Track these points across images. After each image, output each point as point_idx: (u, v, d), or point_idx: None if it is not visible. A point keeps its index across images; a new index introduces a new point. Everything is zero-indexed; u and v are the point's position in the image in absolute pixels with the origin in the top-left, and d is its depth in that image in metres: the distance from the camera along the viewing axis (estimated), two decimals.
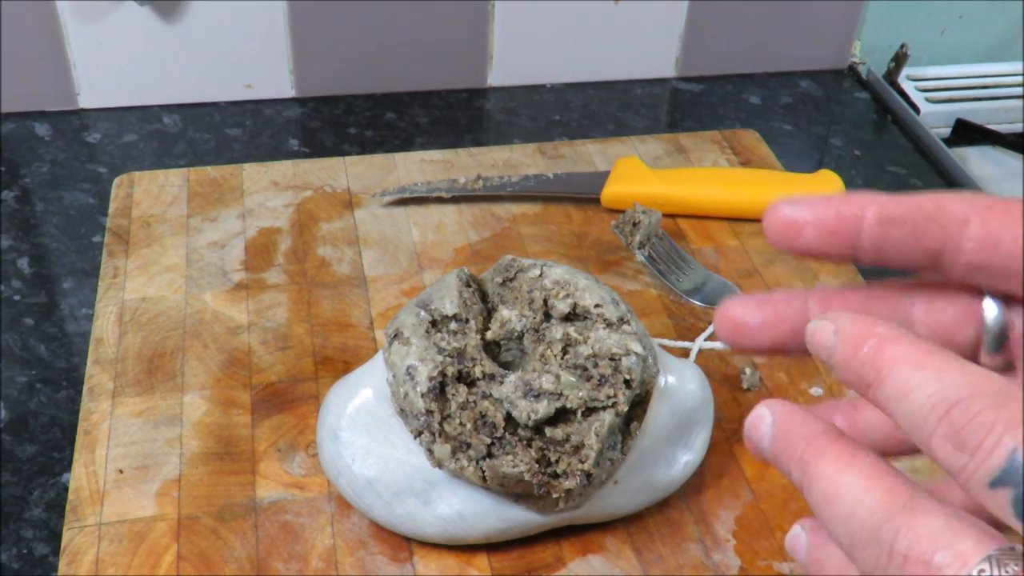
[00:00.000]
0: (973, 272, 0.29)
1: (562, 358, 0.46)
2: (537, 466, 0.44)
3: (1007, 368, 0.30)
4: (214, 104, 0.82)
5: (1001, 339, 0.30)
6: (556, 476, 0.44)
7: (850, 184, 0.77)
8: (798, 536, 0.29)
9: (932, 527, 0.24)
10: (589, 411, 0.44)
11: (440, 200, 0.69)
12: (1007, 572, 0.22)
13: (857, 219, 0.29)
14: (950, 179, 0.79)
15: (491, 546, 0.48)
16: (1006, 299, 0.30)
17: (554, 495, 0.44)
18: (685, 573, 0.47)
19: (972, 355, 0.30)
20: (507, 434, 0.44)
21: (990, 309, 0.30)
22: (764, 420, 0.29)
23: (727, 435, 0.54)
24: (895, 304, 0.31)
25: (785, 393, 0.56)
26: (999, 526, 0.24)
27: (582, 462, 0.44)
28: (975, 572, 0.23)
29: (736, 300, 0.31)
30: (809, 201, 0.29)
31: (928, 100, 0.88)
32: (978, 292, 0.30)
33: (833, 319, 0.27)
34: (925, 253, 0.28)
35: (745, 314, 0.31)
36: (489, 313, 0.49)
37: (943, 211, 0.28)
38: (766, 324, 0.31)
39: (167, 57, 0.79)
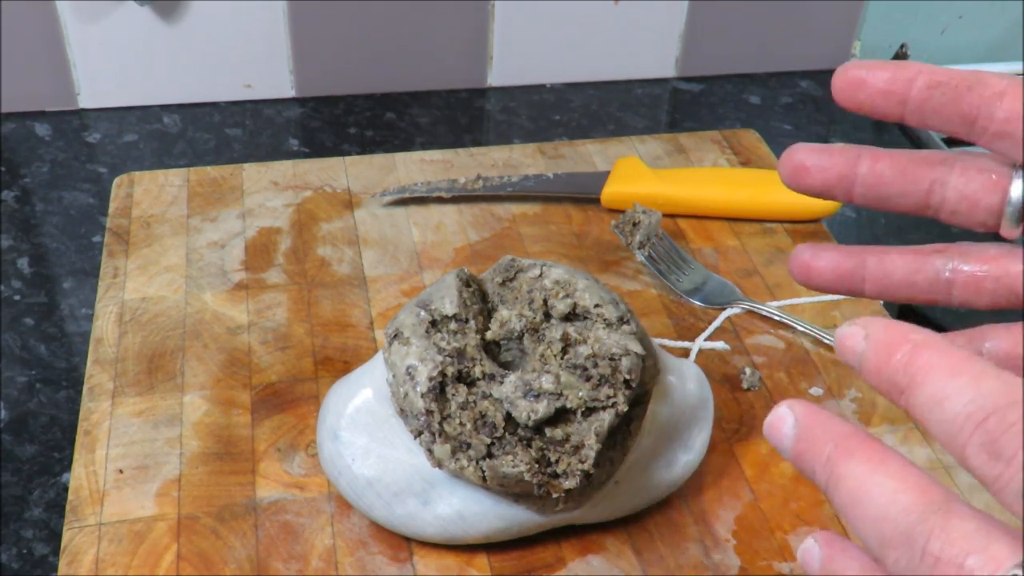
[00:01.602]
0: (999, 140, 0.31)
1: (562, 358, 0.46)
2: (537, 466, 0.44)
3: None
4: (214, 104, 0.82)
5: (1021, 212, 0.33)
6: (556, 476, 0.44)
7: None
8: (811, 549, 0.29)
9: (966, 530, 0.23)
10: (589, 411, 0.44)
11: (440, 200, 0.69)
12: None
13: (909, 82, 0.32)
14: None
15: (491, 546, 0.48)
16: None
17: (554, 495, 0.44)
18: (685, 573, 0.47)
19: (994, 223, 0.33)
20: (507, 434, 0.44)
21: (1017, 183, 0.33)
22: (786, 420, 0.28)
23: (727, 435, 0.54)
24: (933, 167, 0.34)
25: (785, 393, 0.56)
26: None
27: (582, 462, 0.44)
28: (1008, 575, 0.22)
29: (799, 145, 0.35)
30: (872, 64, 0.33)
31: None
32: (1012, 168, 0.33)
33: (863, 325, 0.27)
34: (962, 119, 0.32)
35: (805, 157, 0.35)
36: (489, 313, 0.49)
37: (983, 83, 0.32)
38: (819, 167, 0.35)
39: (167, 57, 0.80)
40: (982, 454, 0.24)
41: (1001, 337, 0.33)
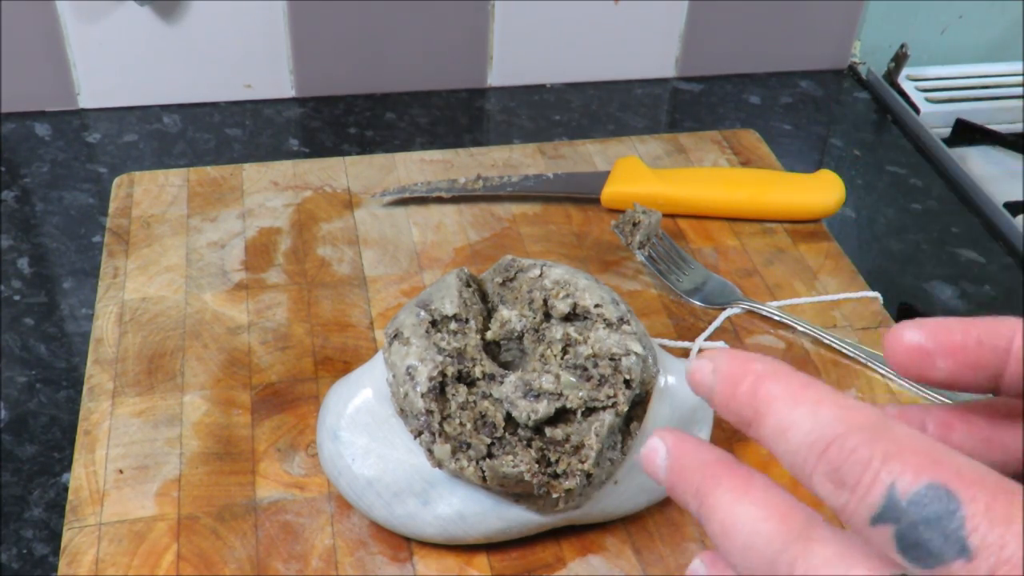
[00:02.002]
0: None
1: (562, 358, 0.46)
2: (537, 466, 0.44)
3: None
4: (214, 104, 0.82)
5: None
6: (556, 476, 0.44)
7: (850, 184, 0.77)
8: (697, 570, 0.28)
9: (826, 555, 0.24)
10: (589, 411, 0.44)
11: (440, 200, 0.69)
12: None
13: (1003, 350, 0.27)
14: (950, 179, 0.79)
15: (491, 546, 0.48)
16: None
17: (554, 495, 0.44)
18: (685, 573, 0.47)
19: None
20: (507, 434, 0.44)
21: None
22: (658, 452, 0.28)
23: (727, 435, 0.54)
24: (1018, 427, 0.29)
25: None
26: None
27: (582, 462, 0.44)
28: None
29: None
30: (941, 325, 0.27)
31: (928, 100, 0.88)
32: None
33: (711, 358, 0.27)
34: None
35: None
36: (489, 313, 0.49)
37: None
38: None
39: (167, 57, 0.80)
40: (827, 483, 0.23)
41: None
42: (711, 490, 0.26)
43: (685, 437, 0.28)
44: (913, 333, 0.27)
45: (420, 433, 0.44)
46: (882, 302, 0.63)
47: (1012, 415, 0.29)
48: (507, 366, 0.48)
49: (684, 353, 0.58)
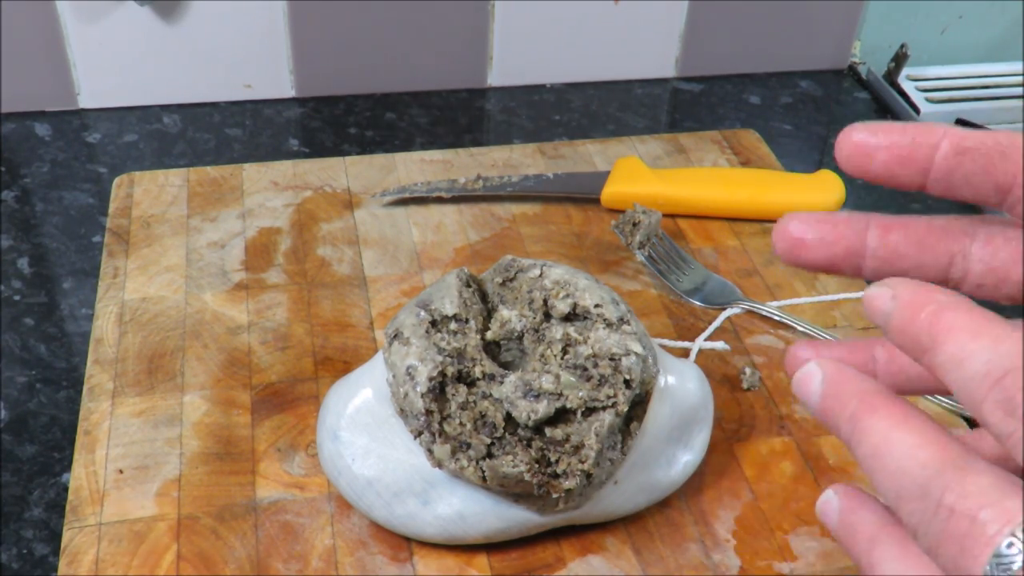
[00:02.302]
0: None
1: (562, 358, 0.46)
2: (537, 466, 0.44)
3: None
4: (214, 104, 0.82)
5: None
6: (556, 476, 0.44)
7: (850, 184, 0.77)
8: (830, 500, 0.29)
9: (981, 484, 0.24)
10: (589, 411, 0.44)
11: (440, 200, 0.69)
12: None
13: (931, 148, 0.29)
14: None
15: (491, 546, 0.48)
16: None
17: (554, 495, 0.44)
18: (685, 573, 0.47)
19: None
20: (507, 434, 0.44)
21: None
22: (814, 377, 0.29)
23: (727, 435, 0.54)
24: (954, 237, 0.31)
25: (785, 393, 0.56)
26: None
27: (582, 462, 0.44)
28: (1018, 530, 0.23)
29: (796, 216, 0.32)
30: (885, 127, 0.30)
31: (928, 100, 0.88)
32: None
33: (891, 285, 0.28)
34: (994, 188, 0.29)
35: (804, 230, 0.31)
36: (489, 313, 0.49)
37: (1017, 147, 0.29)
38: (824, 241, 0.31)
39: (167, 57, 0.80)
40: (998, 411, 0.24)
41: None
42: (867, 415, 0.27)
43: (842, 366, 0.29)
44: (860, 130, 0.30)
45: (420, 433, 0.44)
46: None
47: (945, 231, 0.31)
48: (507, 366, 0.48)
49: (684, 353, 0.58)
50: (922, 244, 0.31)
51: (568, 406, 0.44)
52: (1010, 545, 0.23)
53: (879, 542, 0.28)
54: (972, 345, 0.25)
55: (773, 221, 0.68)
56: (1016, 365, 0.24)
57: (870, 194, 0.77)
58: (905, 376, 0.33)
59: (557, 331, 0.46)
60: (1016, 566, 0.23)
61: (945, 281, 0.31)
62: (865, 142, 0.30)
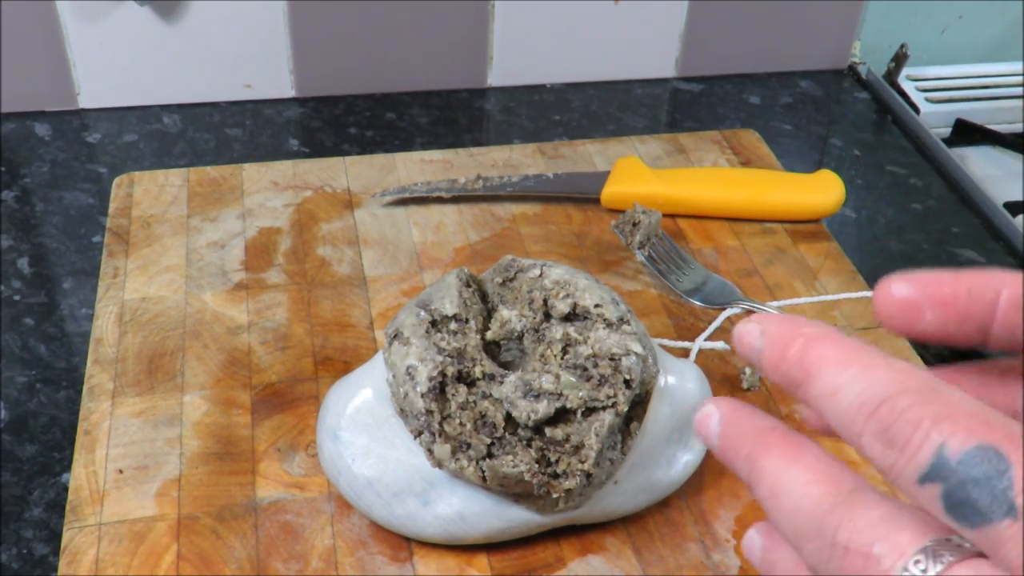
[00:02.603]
0: None
1: (562, 358, 0.46)
2: (537, 466, 0.44)
3: None
4: (214, 104, 0.82)
5: None
6: (556, 476, 0.44)
7: (850, 184, 0.77)
8: (752, 539, 0.29)
9: (871, 518, 0.24)
10: (589, 411, 0.44)
11: (440, 200, 0.69)
12: (943, 563, 0.22)
13: (991, 302, 0.27)
14: (950, 179, 0.79)
15: (491, 546, 0.48)
16: None
17: (554, 495, 0.44)
18: (685, 573, 0.47)
19: None
20: (507, 434, 0.44)
21: None
22: (711, 418, 0.29)
23: None
24: None
25: (784, 393, 0.56)
26: None
27: (582, 462, 0.44)
28: (911, 563, 0.23)
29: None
30: (931, 279, 0.27)
31: (928, 100, 0.88)
32: None
33: (759, 321, 0.27)
34: None
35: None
36: (489, 313, 0.49)
37: None
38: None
39: (167, 57, 0.79)
40: (877, 443, 0.24)
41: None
42: (762, 455, 0.27)
43: (739, 404, 0.28)
44: (902, 286, 0.27)
45: (420, 433, 0.44)
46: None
47: (1003, 375, 0.29)
48: (507, 366, 0.48)
49: (684, 353, 0.58)
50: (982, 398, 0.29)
51: (568, 406, 0.44)
52: None
53: None
54: (843, 376, 0.25)
55: (773, 221, 0.68)
56: (889, 394, 0.24)
57: (870, 194, 0.77)
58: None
59: (557, 331, 0.46)
60: None
61: None
62: (909, 299, 0.27)
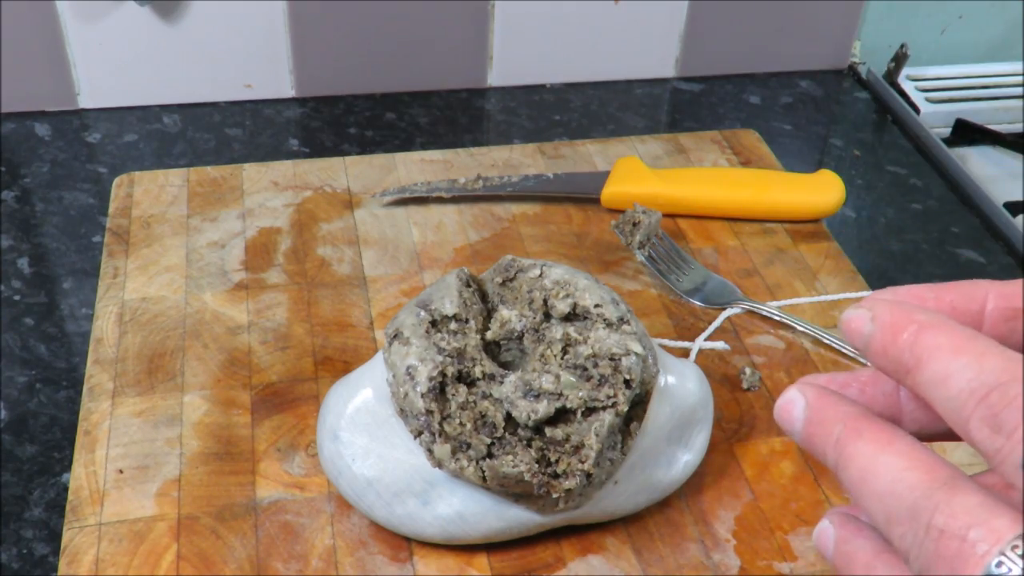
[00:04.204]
0: None
1: (562, 358, 0.46)
2: (537, 466, 0.44)
3: None
4: (214, 104, 0.82)
5: None
6: (556, 476, 0.44)
7: (850, 184, 0.77)
8: (826, 530, 0.29)
9: (969, 504, 0.24)
10: (589, 411, 0.44)
11: (440, 200, 0.69)
12: None
13: (976, 314, 0.28)
14: (950, 179, 0.79)
15: (491, 546, 0.48)
16: None
17: (554, 495, 0.44)
18: (685, 573, 0.47)
19: None
20: (507, 434, 0.44)
21: None
22: (796, 404, 0.29)
23: (727, 435, 0.54)
24: None
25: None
26: None
27: (582, 462, 0.44)
28: (1008, 548, 0.23)
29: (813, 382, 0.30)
30: (914, 292, 0.28)
31: (928, 100, 0.88)
32: None
33: (869, 307, 0.27)
34: None
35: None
36: (489, 313, 0.49)
37: None
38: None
39: (167, 57, 0.79)
40: (984, 428, 0.24)
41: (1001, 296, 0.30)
42: (852, 440, 0.27)
43: (825, 391, 0.28)
44: (883, 299, 0.28)
45: (420, 433, 0.44)
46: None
47: None
48: (507, 366, 0.48)
49: (684, 353, 0.58)
50: None
51: (568, 406, 0.44)
52: (999, 564, 0.23)
53: (874, 569, 0.27)
54: (955, 363, 0.25)
55: (773, 221, 0.68)
56: (1001, 381, 0.24)
57: (870, 194, 0.77)
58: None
59: (557, 331, 0.46)
60: None
61: None
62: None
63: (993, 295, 0.28)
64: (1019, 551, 0.23)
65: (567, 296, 0.47)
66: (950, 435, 0.29)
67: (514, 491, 0.45)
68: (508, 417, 0.44)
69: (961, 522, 0.24)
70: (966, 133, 0.85)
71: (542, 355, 0.46)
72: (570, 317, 0.47)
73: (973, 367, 0.25)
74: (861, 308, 0.28)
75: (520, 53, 0.85)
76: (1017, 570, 0.23)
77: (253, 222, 0.66)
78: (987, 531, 0.23)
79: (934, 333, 0.26)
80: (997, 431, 0.24)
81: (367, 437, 0.46)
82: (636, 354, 0.45)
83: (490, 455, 0.44)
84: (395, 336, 0.46)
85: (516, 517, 0.46)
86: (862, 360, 0.58)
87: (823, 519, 0.29)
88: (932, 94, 0.89)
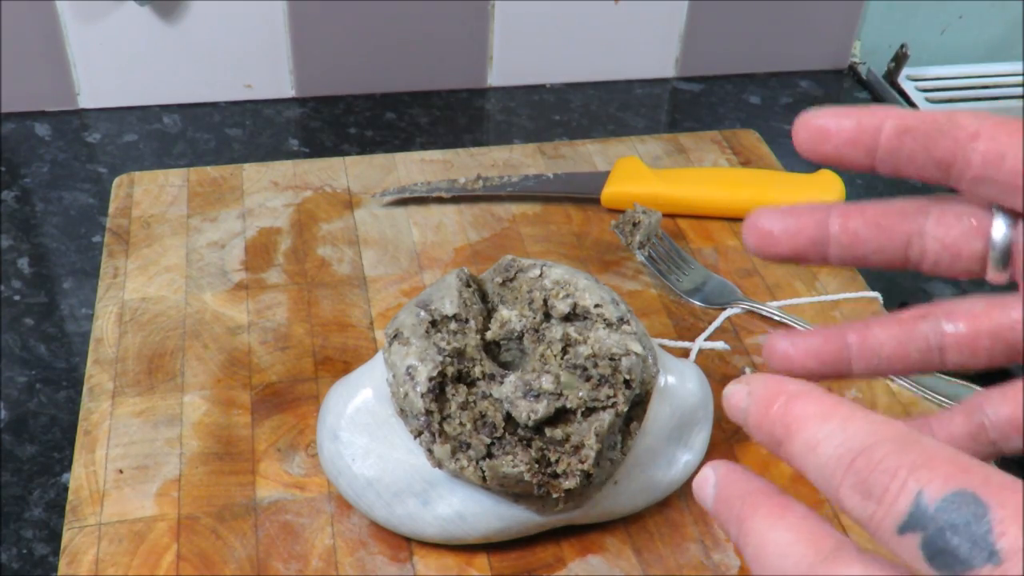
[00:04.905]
0: (979, 185, 0.29)
1: (562, 358, 0.46)
2: (537, 466, 0.44)
3: (1012, 286, 0.31)
4: (214, 104, 0.82)
5: (1007, 255, 0.31)
6: (556, 476, 0.44)
7: (850, 184, 0.77)
8: (708, 477, 0.29)
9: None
10: (589, 411, 0.44)
11: (440, 200, 0.69)
12: None
13: (876, 130, 0.30)
14: None
15: (491, 546, 0.48)
16: (1015, 217, 0.31)
17: (554, 495, 0.44)
18: (685, 573, 0.47)
19: (979, 269, 0.31)
20: (507, 434, 0.44)
21: (998, 225, 0.31)
22: (708, 481, 0.29)
23: (727, 435, 0.54)
24: (909, 218, 0.32)
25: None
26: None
27: (582, 462, 0.44)
28: None
29: (763, 210, 0.33)
30: (836, 112, 0.31)
31: (928, 100, 0.88)
32: (989, 209, 0.31)
33: (747, 381, 0.28)
34: (936, 165, 0.30)
35: (771, 223, 0.33)
36: (489, 313, 0.49)
37: (955, 125, 0.29)
38: (787, 232, 0.33)
39: (167, 57, 0.80)
40: (855, 495, 0.24)
41: (998, 403, 0.32)
42: (749, 516, 0.27)
43: (734, 468, 0.29)
44: (816, 115, 0.31)
45: (420, 433, 0.44)
46: (882, 302, 0.63)
47: (901, 213, 0.32)
48: (507, 366, 0.48)
49: (684, 353, 0.58)
50: (880, 227, 0.32)
51: (568, 406, 0.44)
52: None
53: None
54: (823, 430, 0.25)
55: None
56: (866, 444, 0.24)
57: (870, 193, 0.77)
58: (878, 358, 0.33)
59: (557, 331, 0.46)
60: None
61: (905, 261, 0.32)
62: (820, 125, 0.31)
63: (892, 115, 0.30)
64: None
65: (567, 296, 0.47)
66: (882, 257, 0.32)
67: (514, 491, 0.45)
68: (508, 417, 0.44)
69: None
70: None
71: (542, 355, 0.46)
72: (570, 317, 0.47)
73: (839, 433, 0.25)
74: (740, 383, 0.28)
75: (520, 53, 0.85)
76: None
77: (253, 222, 0.66)
78: None
79: (802, 402, 0.26)
80: (867, 497, 0.24)
81: (367, 437, 0.46)
82: (636, 354, 0.45)
83: (490, 455, 0.44)
84: (395, 336, 0.46)
85: (516, 517, 0.46)
86: None
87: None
88: (932, 94, 0.89)
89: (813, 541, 0.25)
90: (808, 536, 0.25)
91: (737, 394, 0.28)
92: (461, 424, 0.44)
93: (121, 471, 0.50)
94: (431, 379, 0.44)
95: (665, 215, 0.68)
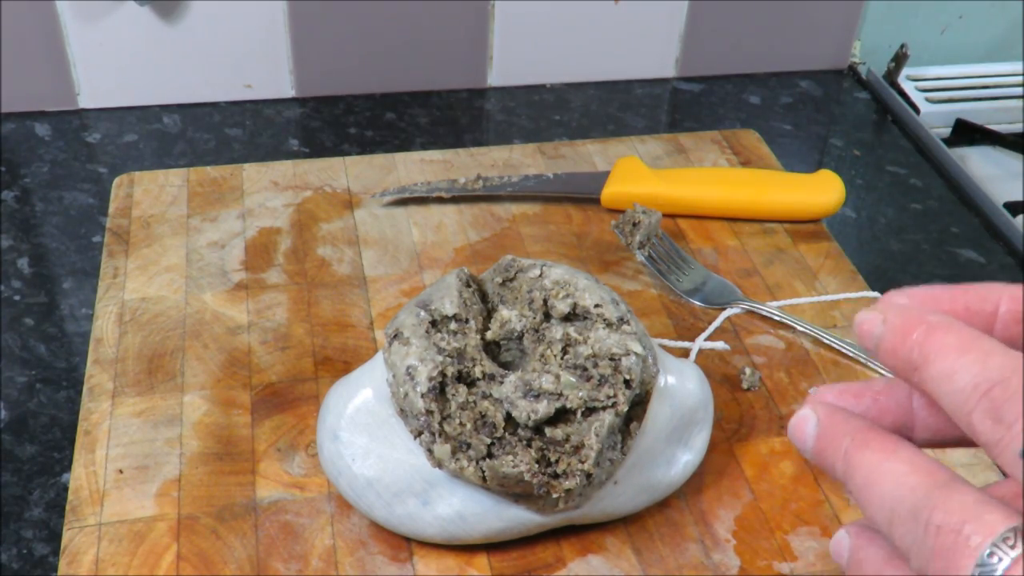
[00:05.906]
0: None
1: (562, 358, 0.46)
2: (537, 466, 0.44)
3: None
4: (214, 104, 0.82)
5: None
6: (556, 476, 0.44)
7: (850, 184, 0.77)
8: (841, 539, 0.31)
9: (964, 502, 0.26)
10: (589, 411, 0.44)
11: (440, 200, 0.69)
12: None
13: (990, 316, 0.30)
14: (950, 179, 0.79)
15: (491, 546, 0.48)
16: None
17: (554, 495, 0.44)
18: (685, 573, 0.47)
19: None
20: (507, 434, 0.44)
21: None
22: (808, 421, 0.31)
23: (727, 435, 0.54)
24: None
25: (785, 393, 0.56)
26: None
27: (582, 462, 0.44)
28: (1000, 540, 0.24)
29: (830, 390, 0.32)
30: (932, 293, 0.30)
31: (928, 100, 0.88)
32: None
33: (881, 310, 0.29)
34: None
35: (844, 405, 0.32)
36: (489, 313, 0.49)
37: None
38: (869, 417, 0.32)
39: (167, 57, 0.80)
40: (987, 420, 0.26)
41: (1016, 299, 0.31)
42: (859, 451, 0.29)
43: (835, 408, 0.31)
44: (901, 300, 0.30)
45: (420, 433, 0.44)
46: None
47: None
48: (507, 366, 0.48)
49: (684, 353, 0.58)
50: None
51: (568, 406, 0.44)
52: (991, 554, 0.24)
53: (883, 570, 0.29)
54: (961, 360, 0.27)
55: (773, 221, 0.68)
56: (1004, 377, 0.26)
57: (870, 194, 0.77)
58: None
59: (557, 331, 0.46)
60: (998, 573, 0.24)
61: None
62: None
63: (1006, 298, 0.30)
64: (1010, 543, 0.24)
65: (567, 296, 0.47)
66: (962, 441, 0.31)
67: (514, 491, 0.45)
68: (508, 417, 0.44)
69: (956, 518, 0.25)
70: (966, 133, 0.85)
71: (542, 355, 0.46)
72: (570, 317, 0.47)
73: (977, 364, 0.26)
74: (873, 311, 0.29)
75: (520, 53, 0.85)
76: (1008, 561, 0.24)
77: (253, 222, 0.66)
78: (980, 525, 0.25)
79: (942, 333, 0.28)
80: (998, 423, 0.25)
81: (367, 437, 0.46)
82: (636, 354, 0.45)
83: (490, 455, 0.44)
84: (395, 336, 0.46)
85: (516, 517, 0.46)
86: (862, 360, 0.58)
87: (840, 529, 0.31)
88: (932, 94, 0.89)
89: (928, 472, 0.27)
90: (923, 468, 0.27)
91: (871, 322, 0.29)
92: (461, 424, 0.44)
93: (121, 471, 0.50)
94: (431, 379, 0.44)
95: (665, 215, 0.68)
